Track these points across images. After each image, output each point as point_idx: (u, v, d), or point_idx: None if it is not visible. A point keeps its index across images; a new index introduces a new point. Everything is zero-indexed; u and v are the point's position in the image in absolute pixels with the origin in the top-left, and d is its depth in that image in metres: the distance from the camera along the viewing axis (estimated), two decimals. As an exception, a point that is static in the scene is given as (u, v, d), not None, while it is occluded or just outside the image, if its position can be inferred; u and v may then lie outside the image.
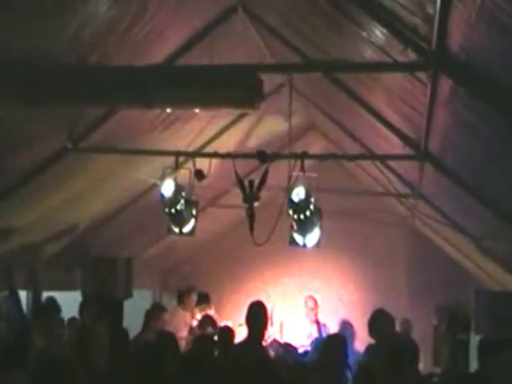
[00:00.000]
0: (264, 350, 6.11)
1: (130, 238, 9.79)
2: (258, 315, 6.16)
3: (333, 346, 6.31)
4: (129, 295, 9.47)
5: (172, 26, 6.05)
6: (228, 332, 7.37)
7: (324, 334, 10.07)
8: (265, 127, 8.91)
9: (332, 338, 6.97)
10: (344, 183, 10.41)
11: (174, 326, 9.54)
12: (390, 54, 4.76)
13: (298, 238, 7.99)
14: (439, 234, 9.52)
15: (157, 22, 5.74)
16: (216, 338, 7.66)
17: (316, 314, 10.54)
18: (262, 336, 6.09)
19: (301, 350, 9.68)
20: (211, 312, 10.42)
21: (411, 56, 4.33)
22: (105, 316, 8.51)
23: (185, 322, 10.11)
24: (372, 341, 7.78)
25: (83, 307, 8.65)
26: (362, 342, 10.24)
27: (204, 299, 11.07)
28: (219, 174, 8.29)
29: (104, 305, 8.79)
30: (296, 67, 6.25)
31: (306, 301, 10.71)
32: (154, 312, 9.28)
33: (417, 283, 10.95)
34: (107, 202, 8.44)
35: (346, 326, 10.93)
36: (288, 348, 9.31)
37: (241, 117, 8.35)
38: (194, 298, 10.78)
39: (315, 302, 10.64)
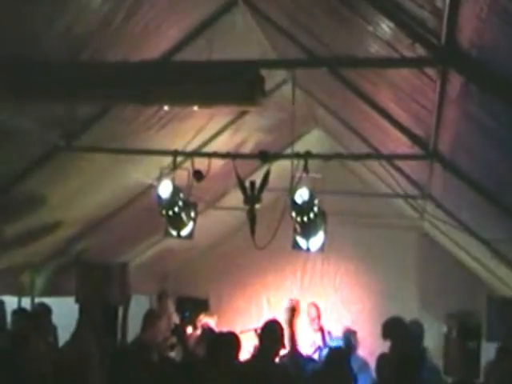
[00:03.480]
0: (274, 367, 6.07)
1: (125, 241, 9.79)
2: (272, 334, 6.15)
3: (335, 359, 6.30)
4: (124, 301, 9.46)
5: (169, 20, 6.05)
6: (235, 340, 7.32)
7: (329, 342, 10.05)
8: (266, 126, 8.90)
9: (333, 352, 6.96)
10: (349, 184, 10.40)
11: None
12: (397, 48, 4.75)
13: (301, 241, 7.98)
14: (449, 237, 9.51)
15: (153, 15, 5.74)
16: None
17: (319, 322, 10.51)
18: (273, 355, 6.06)
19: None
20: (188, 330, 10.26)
21: (419, 51, 4.32)
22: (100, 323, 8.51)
23: (158, 329, 9.97)
24: (380, 349, 7.78)
25: (82, 317, 8.62)
26: (367, 349, 10.25)
27: (203, 306, 11.06)
28: (219, 175, 8.28)
29: (98, 311, 8.79)
30: (299, 63, 6.24)
31: (307, 309, 10.68)
32: (148, 319, 9.24)
33: (426, 289, 10.94)
34: (102, 204, 8.43)
35: (349, 334, 10.91)
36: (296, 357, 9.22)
37: (241, 115, 8.34)
38: (169, 302, 10.75)
39: (317, 309, 10.61)
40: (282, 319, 10.15)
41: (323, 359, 7.09)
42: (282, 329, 6.25)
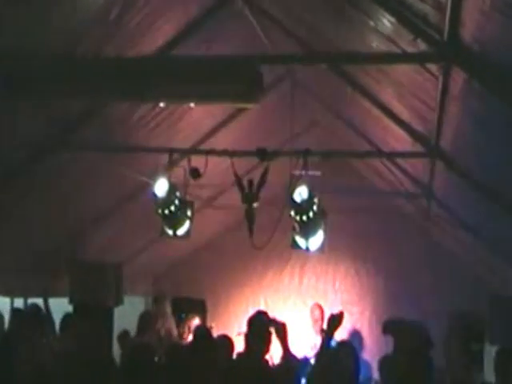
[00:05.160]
0: (265, 364, 6.09)
1: (120, 241, 9.79)
2: (260, 326, 6.15)
3: (341, 356, 6.29)
4: (119, 302, 9.47)
5: (166, 15, 6.06)
6: (228, 342, 7.35)
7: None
8: (265, 123, 8.91)
9: (340, 347, 6.95)
10: (350, 182, 10.40)
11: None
12: (398, 44, 4.77)
13: (300, 240, 7.98)
14: (452, 236, 9.53)
15: (149, 9, 5.75)
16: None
17: (322, 324, 10.52)
18: (263, 352, 6.07)
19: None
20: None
21: (421, 46, 4.34)
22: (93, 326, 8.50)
23: (155, 331, 9.95)
24: (380, 351, 7.80)
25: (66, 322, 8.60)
26: (368, 351, 10.28)
27: (199, 307, 11.07)
28: (216, 173, 8.28)
29: (92, 313, 8.78)
30: (298, 58, 6.26)
31: (311, 310, 10.69)
32: (144, 321, 9.24)
33: (427, 289, 10.93)
34: (96, 203, 8.43)
35: (354, 335, 10.94)
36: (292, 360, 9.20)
37: (239, 112, 8.35)
38: (167, 304, 10.76)
39: (321, 310, 10.62)
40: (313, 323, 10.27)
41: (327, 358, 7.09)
42: (268, 319, 6.26)
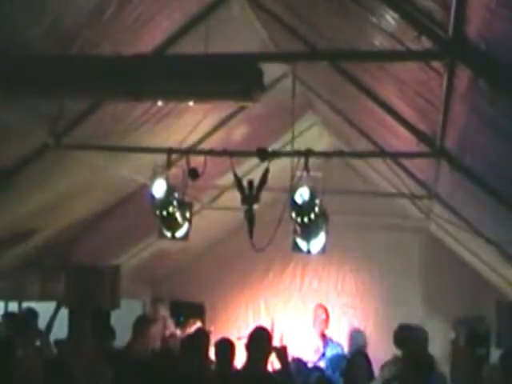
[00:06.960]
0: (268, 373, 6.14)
1: (117, 243, 9.78)
2: (260, 342, 6.20)
3: (357, 366, 6.34)
4: (116, 306, 9.46)
5: (163, 11, 6.04)
6: (228, 345, 7.34)
7: (330, 349, 10.08)
8: (265, 122, 8.90)
9: (355, 357, 7.00)
10: (352, 183, 10.40)
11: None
12: (402, 41, 4.75)
13: (301, 243, 7.97)
14: (457, 239, 9.52)
15: (146, 6, 5.74)
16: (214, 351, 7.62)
17: (326, 326, 10.54)
18: (264, 363, 6.12)
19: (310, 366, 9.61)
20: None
21: (426, 44, 4.31)
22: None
23: (150, 336, 9.94)
24: (383, 355, 7.80)
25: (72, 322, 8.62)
26: (372, 355, 10.25)
27: (198, 311, 11.07)
28: (215, 174, 8.27)
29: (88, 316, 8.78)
30: (300, 56, 6.24)
31: (315, 310, 10.69)
32: (138, 326, 9.22)
33: (432, 293, 10.94)
34: (92, 204, 8.43)
35: (357, 338, 10.93)
36: (298, 363, 9.18)
37: (239, 110, 8.33)
38: (162, 307, 10.78)
39: (326, 311, 10.63)
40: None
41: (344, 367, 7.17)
42: (269, 335, 6.31)
